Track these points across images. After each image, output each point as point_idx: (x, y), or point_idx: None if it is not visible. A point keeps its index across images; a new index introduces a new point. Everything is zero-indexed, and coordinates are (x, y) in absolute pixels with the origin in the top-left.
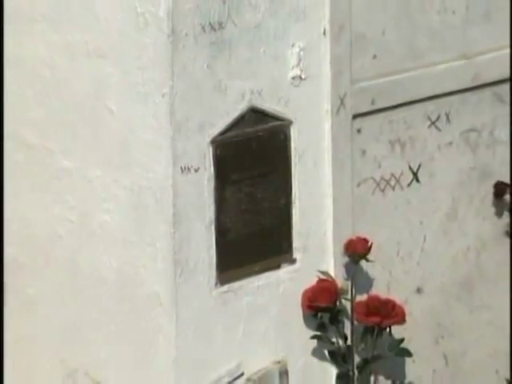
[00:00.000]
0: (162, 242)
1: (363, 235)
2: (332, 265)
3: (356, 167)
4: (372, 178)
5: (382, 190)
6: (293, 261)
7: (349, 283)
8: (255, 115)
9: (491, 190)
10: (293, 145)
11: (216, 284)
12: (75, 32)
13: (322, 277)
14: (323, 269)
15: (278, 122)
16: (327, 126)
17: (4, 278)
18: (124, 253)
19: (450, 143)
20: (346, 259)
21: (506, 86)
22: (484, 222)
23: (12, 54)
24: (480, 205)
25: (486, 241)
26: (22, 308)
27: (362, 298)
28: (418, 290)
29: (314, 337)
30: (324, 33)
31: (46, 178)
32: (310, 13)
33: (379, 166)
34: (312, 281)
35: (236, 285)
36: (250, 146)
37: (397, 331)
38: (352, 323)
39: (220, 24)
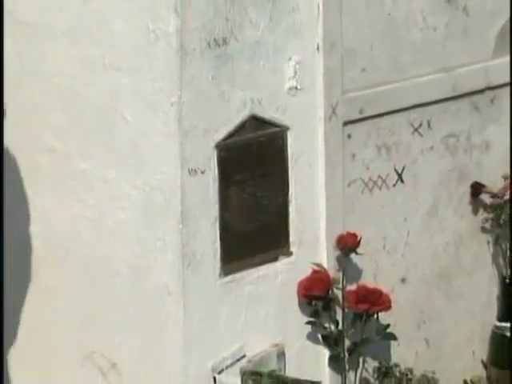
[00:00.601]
0: (171, 237)
1: (353, 231)
2: (325, 257)
3: (346, 169)
4: (361, 179)
5: (370, 190)
6: (289, 254)
7: (340, 274)
8: (255, 122)
9: (468, 190)
10: (289, 149)
11: (220, 275)
12: (92, 47)
13: (316, 268)
14: (317, 261)
15: (276, 129)
16: (320, 132)
17: (30, 270)
18: (137, 247)
19: (431, 147)
20: (338, 252)
21: (482, 96)
22: (461, 219)
23: (35, 66)
24: (458, 203)
25: (463, 236)
26: (44, 297)
27: (351, 287)
28: (403, 280)
29: (308, 322)
30: (317, 48)
31: (66, 179)
32: (304, 30)
33: (367, 168)
34: (307, 272)
35: (238, 275)
36: (250, 150)
37: (383, 317)
38: (343, 310)
39: (224, 40)
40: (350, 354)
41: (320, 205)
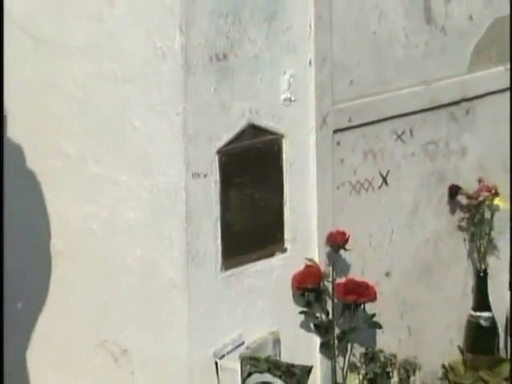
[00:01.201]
0: (176, 235)
1: (342, 229)
2: (316, 253)
3: (336, 173)
4: (349, 182)
5: (358, 192)
6: (284, 250)
7: (330, 268)
8: (253, 130)
9: (446, 192)
10: (284, 155)
11: (221, 269)
12: (105, 62)
13: (309, 263)
14: (309, 257)
15: (272, 136)
16: (312, 139)
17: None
18: (145, 244)
19: (413, 153)
20: (328, 249)
21: (458, 107)
22: (440, 218)
23: (53, 79)
24: (437, 204)
25: (442, 234)
26: (62, 290)
27: (341, 280)
28: (387, 274)
29: (301, 312)
30: (310, 63)
31: (81, 181)
32: (298, 47)
33: (355, 172)
34: (300, 266)
35: (238, 270)
36: (249, 155)
37: (369, 307)
38: (333, 301)
39: (224, 56)
40: (339, 341)
41: (312, 205)
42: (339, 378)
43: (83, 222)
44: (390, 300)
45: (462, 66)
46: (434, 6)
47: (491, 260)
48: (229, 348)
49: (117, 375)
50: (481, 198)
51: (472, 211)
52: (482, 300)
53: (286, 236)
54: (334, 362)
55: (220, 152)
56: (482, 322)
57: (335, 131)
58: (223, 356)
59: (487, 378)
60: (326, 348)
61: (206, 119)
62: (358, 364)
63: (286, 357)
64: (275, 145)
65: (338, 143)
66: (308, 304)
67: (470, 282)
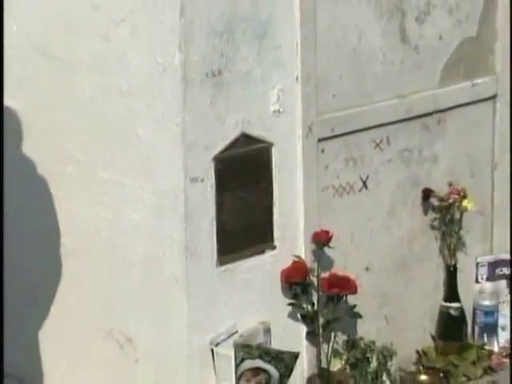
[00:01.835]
0: (176, 234)
1: (326, 228)
2: (303, 250)
3: (320, 178)
4: (332, 185)
5: (340, 195)
6: (274, 247)
7: (316, 264)
8: (246, 139)
9: (420, 195)
10: (274, 161)
11: (217, 265)
12: (112, 77)
13: (296, 259)
14: (297, 253)
15: (263, 144)
16: (299, 147)
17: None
18: (148, 242)
19: (390, 160)
20: (314, 246)
21: (431, 118)
22: (415, 218)
23: (65, 93)
24: (412, 206)
25: (416, 232)
26: (72, 284)
27: (325, 274)
28: (367, 269)
29: (289, 304)
30: (296, 78)
31: (89, 185)
32: (286, 63)
33: (338, 177)
34: (288, 262)
35: (232, 266)
36: (242, 162)
37: (351, 299)
38: (318, 293)
39: (219, 71)
40: (323, 330)
41: (299, 207)
42: (324, 363)
43: (91, 222)
44: (370, 292)
45: (433, 81)
46: (409, 27)
47: (460, 256)
48: (224, 336)
49: (122, 362)
50: (451, 200)
51: (443, 212)
52: (451, 292)
53: (275, 235)
54: (319, 348)
55: (216, 159)
56: (452, 312)
57: (320, 140)
58: (218, 344)
59: (456, 362)
60: (311, 336)
61: (203, 129)
62: (341, 350)
63: (276, 344)
64: (265, 152)
65: (323, 151)
66: (295, 296)
67: (442, 275)
